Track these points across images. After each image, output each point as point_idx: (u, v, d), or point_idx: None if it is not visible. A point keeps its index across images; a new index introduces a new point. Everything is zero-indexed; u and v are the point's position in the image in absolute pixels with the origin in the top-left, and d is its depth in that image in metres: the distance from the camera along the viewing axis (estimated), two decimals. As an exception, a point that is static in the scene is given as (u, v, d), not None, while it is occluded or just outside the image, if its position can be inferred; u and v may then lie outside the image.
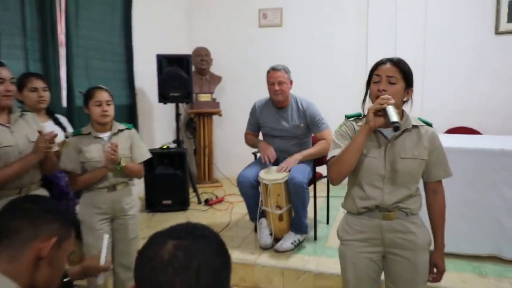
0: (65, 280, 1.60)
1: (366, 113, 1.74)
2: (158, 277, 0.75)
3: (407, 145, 1.72)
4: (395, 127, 1.60)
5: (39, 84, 2.68)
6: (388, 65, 1.72)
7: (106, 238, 1.80)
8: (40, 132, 2.14)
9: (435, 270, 1.84)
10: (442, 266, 1.83)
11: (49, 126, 2.66)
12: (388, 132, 1.74)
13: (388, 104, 1.63)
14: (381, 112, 1.64)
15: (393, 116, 1.60)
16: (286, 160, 3.16)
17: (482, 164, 2.81)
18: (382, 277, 1.86)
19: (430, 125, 1.79)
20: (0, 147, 2.06)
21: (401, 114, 1.76)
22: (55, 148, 2.33)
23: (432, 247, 1.84)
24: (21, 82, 2.61)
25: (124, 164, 2.42)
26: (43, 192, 2.30)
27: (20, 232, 1.08)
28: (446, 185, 1.81)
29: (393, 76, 1.69)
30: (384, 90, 1.69)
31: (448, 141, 2.90)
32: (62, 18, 3.52)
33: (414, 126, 1.75)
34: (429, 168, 1.76)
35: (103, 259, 1.73)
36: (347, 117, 1.88)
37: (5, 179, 2.04)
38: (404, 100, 1.75)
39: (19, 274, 1.06)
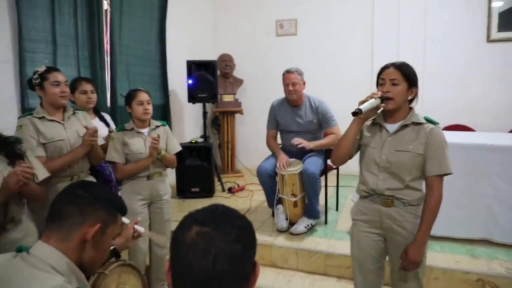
0: (111, 248, 1.66)
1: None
2: (182, 259, 0.76)
3: (405, 139, 1.72)
4: (353, 112, 1.67)
5: (88, 87, 2.74)
6: (391, 69, 1.73)
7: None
8: (86, 128, 2.21)
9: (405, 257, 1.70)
10: (412, 255, 1.66)
11: (95, 123, 2.74)
12: (390, 127, 1.77)
13: (371, 98, 1.69)
14: None
15: (363, 104, 1.67)
16: (301, 139, 3.11)
17: (476, 158, 2.78)
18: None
19: (434, 123, 1.74)
20: (54, 141, 2.14)
21: (407, 111, 1.77)
22: (101, 141, 2.40)
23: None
24: (73, 86, 2.67)
25: (163, 154, 2.49)
26: (91, 179, 2.37)
27: (70, 217, 1.10)
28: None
29: (395, 79, 1.71)
30: (387, 91, 1.71)
31: (447, 137, 2.88)
32: (107, 30, 3.58)
33: (416, 123, 1.73)
34: (425, 162, 1.69)
35: (127, 221, 1.75)
36: None
37: (58, 168, 2.12)
38: (409, 98, 1.75)
39: (69, 252, 1.08)
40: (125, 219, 1.77)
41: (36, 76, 2.13)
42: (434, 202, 1.68)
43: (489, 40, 4.46)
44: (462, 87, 4.61)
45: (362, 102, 1.69)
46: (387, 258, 1.87)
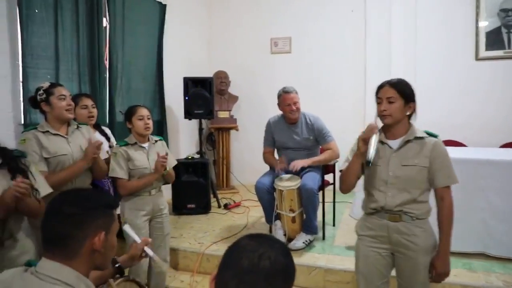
0: (116, 265, 1.67)
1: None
2: (231, 256, 0.88)
3: (409, 154, 1.76)
4: (367, 161, 1.70)
5: (88, 102, 2.77)
6: (386, 88, 1.78)
7: (128, 227, 1.84)
8: (89, 141, 2.23)
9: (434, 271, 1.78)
10: (440, 268, 1.75)
11: (97, 136, 2.75)
12: (392, 143, 1.80)
13: (373, 133, 1.71)
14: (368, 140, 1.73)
15: (369, 153, 1.69)
16: (297, 161, 3.16)
17: (470, 172, 2.82)
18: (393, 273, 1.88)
19: (435, 136, 1.81)
20: (57, 155, 2.15)
21: (407, 126, 1.81)
22: (104, 155, 2.41)
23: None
24: (74, 101, 2.69)
25: (169, 170, 2.52)
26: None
27: (71, 237, 1.08)
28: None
29: (391, 96, 1.75)
30: (384, 110, 1.75)
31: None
32: (107, 48, 3.62)
33: (418, 138, 1.77)
34: (432, 175, 1.75)
35: (137, 239, 1.77)
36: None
37: (60, 182, 2.11)
38: (408, 114, 1.80)
39: (79, 266, 1.08)
40: (136, 238, 1.78)
41: (41, 92, 2.15)
42: (448, 211, 1.76)
43: (477, 58, 4.62)
44: (452, 104, 4.72)
45: (364, 140, 1.72)
46: (392, 272, 1.88)
